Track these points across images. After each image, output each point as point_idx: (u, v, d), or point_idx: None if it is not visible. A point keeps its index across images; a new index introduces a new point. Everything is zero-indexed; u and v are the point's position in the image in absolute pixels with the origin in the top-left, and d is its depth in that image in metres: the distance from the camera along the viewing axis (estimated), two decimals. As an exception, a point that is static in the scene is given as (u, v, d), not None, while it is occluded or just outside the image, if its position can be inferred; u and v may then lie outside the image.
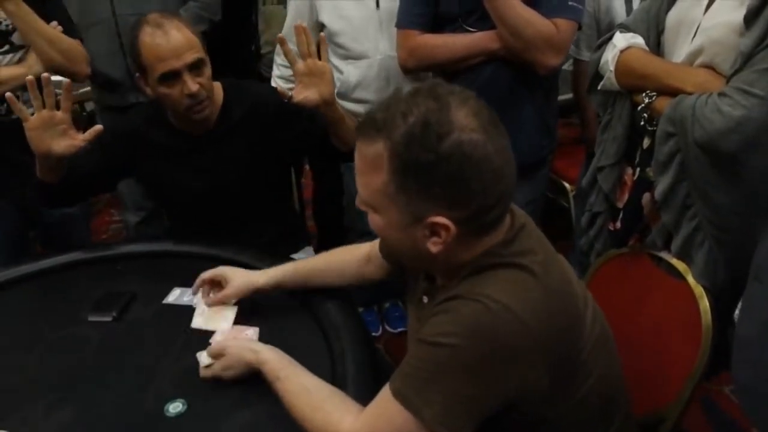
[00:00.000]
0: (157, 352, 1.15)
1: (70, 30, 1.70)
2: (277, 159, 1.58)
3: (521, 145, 1.65)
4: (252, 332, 1.18)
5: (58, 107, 1.30)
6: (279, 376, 0.97)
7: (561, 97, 1.92)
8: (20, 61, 1.66)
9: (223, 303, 1.23)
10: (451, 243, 0.83)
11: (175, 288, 1.34)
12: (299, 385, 0.95)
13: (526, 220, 0.91)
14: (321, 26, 1.86)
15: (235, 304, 1.24)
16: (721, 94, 1.07)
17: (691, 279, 1.20)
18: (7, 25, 1.63)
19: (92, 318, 1.26)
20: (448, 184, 0.79)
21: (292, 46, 1.98)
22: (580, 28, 1.60)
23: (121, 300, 1.30)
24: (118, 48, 1.88)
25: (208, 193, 1.55)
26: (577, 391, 0.87)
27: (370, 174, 0.83)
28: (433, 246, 0.84)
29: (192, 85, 1.38)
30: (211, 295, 1.25)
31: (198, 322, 1.23)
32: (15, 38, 1.65)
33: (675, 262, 1.24)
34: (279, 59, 2.07)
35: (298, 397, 0.94)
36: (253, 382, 1.03)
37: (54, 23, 1.66)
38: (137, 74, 1.46)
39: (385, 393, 0.85)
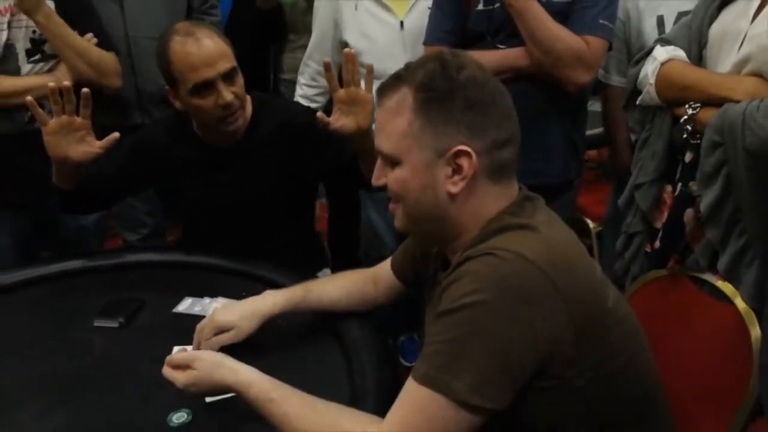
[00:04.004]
0: (163, 360, 1.08)
1: (105, 43, 1.71)
2: (302, 179, 1.54)
3: (549, 165, 1.65)
4: (219, 303, 1.19)
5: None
6: (273, 398, 0.88)
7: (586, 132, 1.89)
8: (50, 70, 1.66)
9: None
10: (468, 186, 0.86)
11: (186, 297, 1.28)
12: (301, 405, 0.87)
13: (537, 197, 0.93)
14: (345, 45, 1.86)
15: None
16: (773, 99, 1.02)
17: (740, 302, 1.12)
18: (40, 34, 1.64)
19: (98, 323, 1.20)
20: (469, 109, 0.85)
21: (314, 65, 2.01)
22: (610, 48, 1.57)
23: (130, 307, 1.25)
24: (129, 69, 1.88)
25: (228, 208, 1.50)
26: (604, 364, 0.84)
27: (392, 121, 0.87)
28: (454, 186, 0.86)
29: (227, 94, 1.34)
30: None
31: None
32: (47, 47, 1.66)
33: (721, 284, 1.16)
34: (302, 79, 2.06)
35: (304, 418, 0.85)
36: None
37: (89, 35, 1.67)
38: (166, 87, 1.42)
39: (410, 385, 0.80)
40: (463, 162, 0.85)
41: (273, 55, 2.36)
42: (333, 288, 1.19)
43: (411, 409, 0.79)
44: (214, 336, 1.09)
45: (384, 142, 0.89)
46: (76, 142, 1.29)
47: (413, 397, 0.79)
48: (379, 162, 0.92)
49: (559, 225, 0.90)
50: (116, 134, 1.33)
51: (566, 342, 0.79)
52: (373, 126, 1.07)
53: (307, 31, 2.22)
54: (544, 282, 0.78)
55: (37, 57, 1.65)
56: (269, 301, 1.13)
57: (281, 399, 0.88)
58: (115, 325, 1.20)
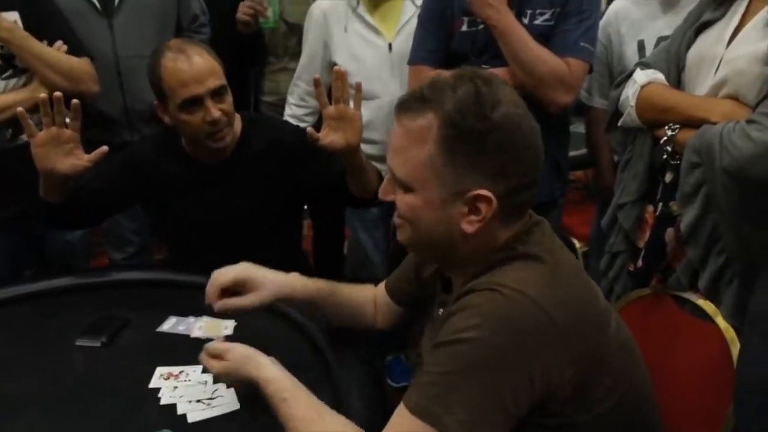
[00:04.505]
0: (145, 380, 1.08)
1: (76, 48, 1.67)
2: (290, 196, 1.55)
3: None
4: (229, 323, 1.20)
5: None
6: (285, 398, 0.90)
7: (569, 153, 1.92)
8: (25, 85, 1.63)
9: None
10: (485, 225, 0.82)
11: (171, 316, 1.27)
12: (308, 410, 0.88)
13: (543, 221, 0.91)
14: (334, 66, 1.87)
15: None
16: (749, 121, 1.04)
17: (721, 321, 1.13)
18: (8, 49, 1.60)
19: (80, 342, 1.19)
20: (498, 153, 0.80)
21: (303, 85, 2.03)
22: (590, 71, 1.60)
23: (113, 325, 1.23)
24: (118, 87, 1.88)
25: (216, 225, 1.50)
26: (607, 398, 0.82)
27: (413, 148, 0.82)
28: (469, 225, 0.82)
29: (214, 111, 1.36)
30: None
31: (197, 333, 1.20)
32: (19, 61, 1.62)
33: (702, 302, 1.18)
34: (292, 99, 2.07)
35: (308, 424, 0.87)
36: (240, 410, 0.98)
37: (58, 43, 1.63)
38: (155, 102, 1.44)
39: (400, 411, 0.78)
40: (482, 205, 0.81)
41: (254, 77, 2.38)
42: (355, 297, 1.16)
43: None
44: (231, 298, 1.08)
45: (399, 167, 0.84)
46: (64, 155, 1.28)
47: (403, 424, 0.78)
48: (389, 177, 0.88)
49: (564, 251, 0.88)
50: (105, 148, 1.32)
51: (566, 381, 0.78)
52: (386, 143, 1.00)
53: (287, 54, 2.26)
54: (545, 322, 0.77)
55: (8, 73, 1.61)
56: (299, 282, 1.11)
57: (292, 400, 0.89)
58: (97, 344, 1.18)
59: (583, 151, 2.21)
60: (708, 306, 1.15)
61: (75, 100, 1.29)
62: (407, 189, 0.84)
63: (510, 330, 0.75)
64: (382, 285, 1.16)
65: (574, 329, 0.78)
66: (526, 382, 0.76)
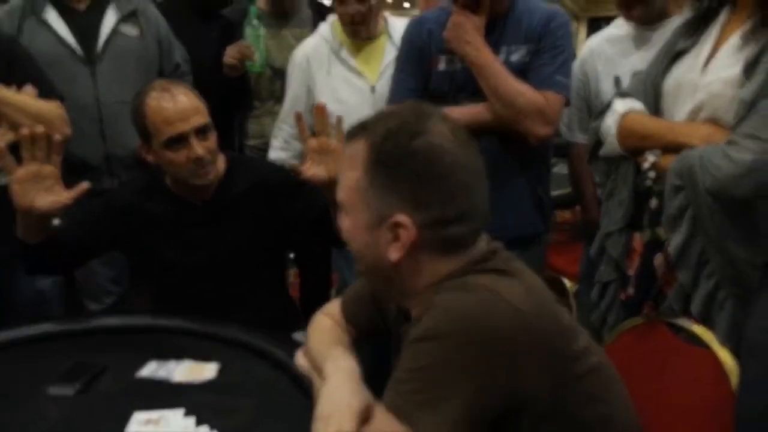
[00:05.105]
0: (123, 427, 1.02)
1: (46, 91, 1.65)
2: (276, 235, 1.53)
3: (515, 219, 1.65)
4: (212, 366, 1.18)
5: None
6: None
7: (554, 193, 1.94)
8: None
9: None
10: (411, 254, 0.83)
11: (150, 361, 1.22)
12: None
13: (501, 248, 0.90)
14: (317, 109, 1.90)
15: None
16: (728, 143, 1.06)
17: (717, 347, 1.11)
18: None
19: (53, 392, 1.13)
20: (413, 182, 0.82)
21: (288, 128, 2.04)
22: (567, 104, 1.64)
23: (89, 372, 1.17)
24: (99, 133, 1.86)
25: (201, 269, 1.48)
26: (580, 413, 0.81)
27: (347, 171, 0.87)
28: (394, 252, 0.84)
29: (198, 149, 1.37)
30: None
31: (179, 377, 1.16)
32: None
33: (696, 329, 1.15)
34: (276, 142, 2.09)
35: None
36: None
37: (27, 87, 1.62)
38: (139, 142, 1.44)
39: (380, 409, 0.78)
40: (402, 233, 0.83)
41: (238, 121, 2.40)
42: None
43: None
44: None
45: (339, 190, 0.90)
46: (44, 191, 1.26)
47: (381, 422, 0.78)
48: (338, 204, 0.92)
49: (532, 273, 0.89)
50: (85, 184, 1.30)
51: (539, 388, 0.78)
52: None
53: (272, 98, 2.29)
54: (519, 323, 0.77)
55: None
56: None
57: None
58: (71, 392, 1.12)
59: (568, 190, 2.24)
60: (703, 332, 1.14)
61: (57, 136, 1.28)
62: (345, 212, 0.89)
63: (479, 328, 0.76)
64: (337, 307, 1.13)
65: (549, 330, 0.79)
66: (498, 383, 0.76)
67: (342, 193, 0.89)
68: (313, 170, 1.32)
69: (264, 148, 2.19)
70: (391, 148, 0.83)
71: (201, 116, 1.38)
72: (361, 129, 0.88)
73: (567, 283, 2.49)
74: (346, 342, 1.06)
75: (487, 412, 0.77)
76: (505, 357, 0.76)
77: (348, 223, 0.89)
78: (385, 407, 0.78)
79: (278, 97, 2.21)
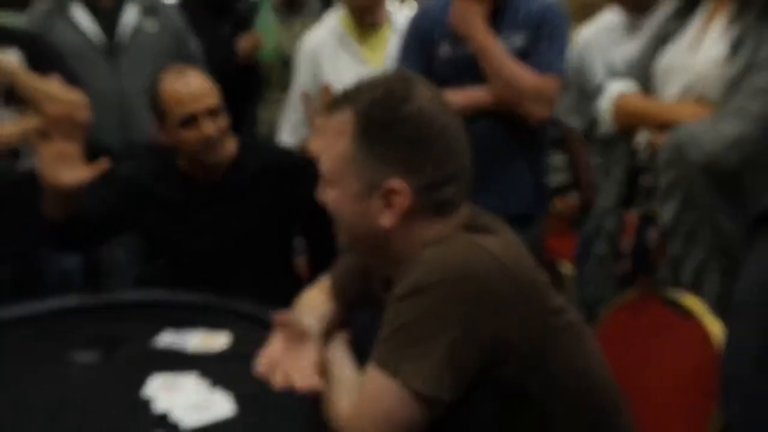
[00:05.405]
0: (139, 390, 1.07)
1: (70, 81, 1.72)
2: (284, 218, 1.59)
3: (515, 200, 1.69)
4: (226, 336, 1.23)
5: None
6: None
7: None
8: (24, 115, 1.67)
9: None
10: (403, 220, 0.84)
11: (166, 331, 1.28)
12: (338, 392, 0.90)
13: (483, 213, 0.91)
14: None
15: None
16: (716, 117, 1.10)
17: (706, 317, 1.15)
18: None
19: (77, 359, 1.19)
20: (405, 146, 0.82)
21: (295, 115, 2.08)
22: (564, 88, 1.69)
23: (109, 341, 1.24)
24: (122, 124, 1.95)
25: (212, 248, 1.53)
26: (554, 367, 0.82)
27: (332, 143, 0.86)
28: (386, 219, 0.84)
29: (209, 128, 1.44)
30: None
31: (193, 344, 1.22)
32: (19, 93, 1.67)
33: (687, 300, 1.19)
34: (284, 129, 2.13)
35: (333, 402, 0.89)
36: (236, 416, 0.97)
37: (53, 77, 1.67)
38: (154, 122, 1.51)
39: (369, 365, 0.81)
40: (396, 198, 0.83)
41: (250, 110, 2.46)
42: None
43: (365, 392, 0.81)
44: None
45: (323, 163, 0.88)
46: (68, 168, 1.33)
47: (369, 378, 0.81)
48: (321, 178, 0.91)
49: (512, 233, 0.90)
50: (105, 163, 1.37)
51: (519, 338, 0.79)
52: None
53: (281, 86, 2.34)
54: (499, 272, 0.79)
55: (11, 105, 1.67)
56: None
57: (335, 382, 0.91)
58: (93, 359, 1.19)
59: (563, 177, 2.28)
60: (693, 303, 1.17)
61: (81, 117, 1.35)
62: (330, 184, 0.88)
63: (461, 277, 0.77)
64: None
65: (527, 282, 0.81)
66: (480, 333, 0.77)
67: (327, 165, 0.87)
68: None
69: (273, 135, 2.25)
70: (380, 115, 0.82)
71: (212, 98, 1.46)
72: (344, 99, 0.86)
73: (565, 267, 2.52)
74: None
75: (470, 363, 0.78)
76: (487, 304, 0.77)
77: (334, 195, 0.87)
78: (373, 365, 0.79)
79: (288, 86, 2.27)
